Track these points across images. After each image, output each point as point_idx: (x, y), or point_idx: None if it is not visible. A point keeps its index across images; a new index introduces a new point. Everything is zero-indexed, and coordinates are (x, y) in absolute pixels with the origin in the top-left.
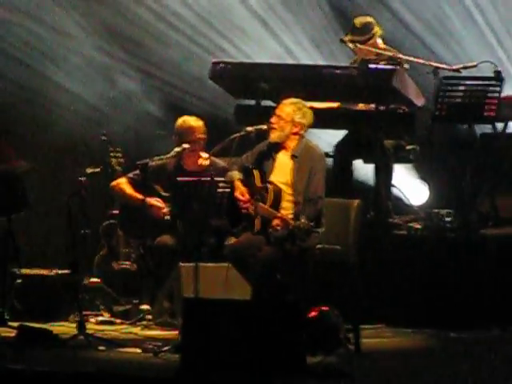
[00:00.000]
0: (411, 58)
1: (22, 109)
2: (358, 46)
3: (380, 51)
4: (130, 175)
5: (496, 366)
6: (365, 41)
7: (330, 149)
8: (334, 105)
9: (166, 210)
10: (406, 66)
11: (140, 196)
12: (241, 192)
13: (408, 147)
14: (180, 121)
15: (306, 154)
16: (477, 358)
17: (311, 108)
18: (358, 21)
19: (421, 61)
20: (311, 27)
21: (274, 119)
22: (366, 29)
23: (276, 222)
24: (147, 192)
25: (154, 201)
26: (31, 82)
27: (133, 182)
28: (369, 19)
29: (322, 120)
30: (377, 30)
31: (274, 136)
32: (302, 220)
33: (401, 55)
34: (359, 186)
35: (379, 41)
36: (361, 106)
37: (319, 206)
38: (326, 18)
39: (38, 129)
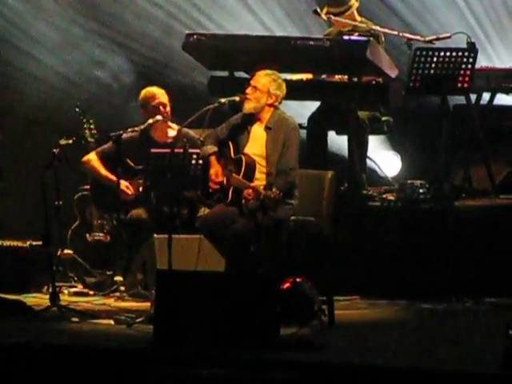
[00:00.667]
0: (386, 30)
1: None
2: (334, 17)
3: (357, 23)
4: (101, 149)
5: (468, 337)
6: (341, 12)
7: (304, 120)
8: (308, 76)
9: (131, 193)
10: (382, 39)
11: (112, 176)
12: (215, 172)
13: (383, 118)
14: (142, 91)
15: (279, 125)
16: (450, 329)
17: (285, 80)
18: None
19: (395, 32)
20: None
21: (249, 90)
22: (343, 1)
23: (247, 191)
24: (119, 164)
25: (123, 183)
26: (3, 53)
27: (104, 156)
28: None
29: (296, 91)
30: (353, 2)
31: (249, 107)
32: (273, 190)
33: (378, 27)
34: (334, 158)
35: (356, 13)
36: (336, 78)
37: (291, 178)
38: None
39: (11, 101)
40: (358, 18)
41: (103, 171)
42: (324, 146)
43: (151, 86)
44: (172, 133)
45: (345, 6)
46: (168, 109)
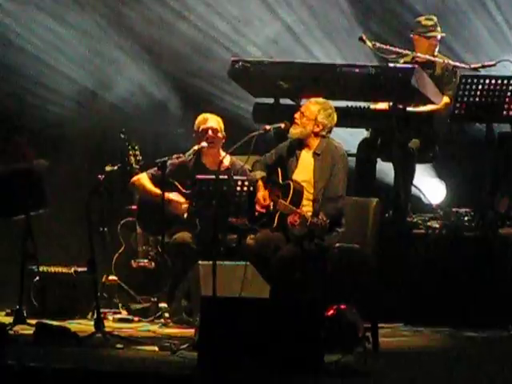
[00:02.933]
0: (433, 58)
1: (40, 107)
2: (405, 51)
3: (430, 58)
4: (151, 171)
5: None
6: (427, 37)
7: (351, 148)
8: (384, 105)
9: (185, 205)
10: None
11: (159, 191)
12: (263, 196)
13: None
14: (199, 117)
15: (328, 152)
16: (493, 358)
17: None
18: (424, 19)
19: (440, 60)
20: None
21: (297, 115)
22: (432, 27)
23: (294, 217)
24: (167, 189)
25: (174, 195)
26: (51, 81)
27: (153, 179)
28: (435, 19)
29: (345, 119)
30: (438, 30)
31: (295, 132)
32: (320, 217)
33: (455, 63)
34: (381, 185)
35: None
36: (380, 106)
37: (339, 205)
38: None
39: (58, 128)
40: (436, 53)
41: (152, 187)
42: (372, 173)
43: (200, 114)
44: (227, 162)
45: (432, 33)
46: (220, 135)
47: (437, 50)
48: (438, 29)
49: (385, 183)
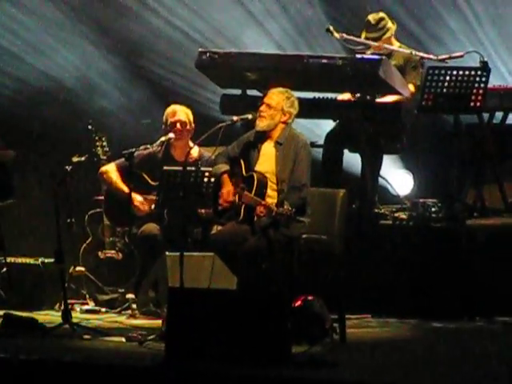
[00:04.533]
0: (401, 49)
1: (7, 97)
2: (372, 43)
3: (395, 48)
4: (118, 162)
5: (479, 357)
6: (379, 37)
7: (316, 139)
8: (348, 96)
9: (144, 210)
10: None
11: (126, 189)
12: (227, 191)
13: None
14: (168, 109)
15: (290, 141)
16: (461, 348)
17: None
18: (372, 17)
19: (407, 51)
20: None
21: (262, 108)
22: (380, 25)
23: (259, 208)
24: (135, 180)
25: (138, 198)
26: (18, 71)
27: (121, 170)
28: (382, 15)
29: (309, 109)
30: (390, 26)
31: (262, 124)
32: (285, 206)
33: (417, 52)
34: (349, 176)
35: (393, 38)
36: (343, 96)
37: (303, 194)
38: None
39: (23, 116)
40: (397, 43)
41: (120, 182)
42: (339, 165)
43: (168, 104)
44: (195, 153)
45: (383, 31)
46: (188, 127)
47: (393, 39)
48: (389, 25)
49: (352, 174)
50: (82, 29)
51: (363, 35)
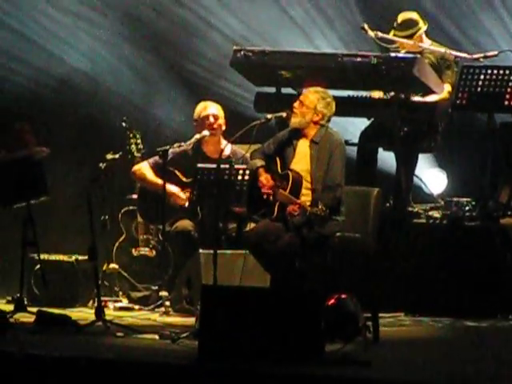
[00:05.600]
0: (432, 48)
1: (45, 96)
2: (401, 40)
3: (429, 47)
4: (152, 160)
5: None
6: (409, 36)
7: (350, 137)
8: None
9: (184, 198)
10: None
11: (160, 182)
12: (266, 178)
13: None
14: (199, 105)
15: (325, 140)
16: (494, 347)
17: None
18: (402, 16)
19: (442, 50)
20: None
21: (296, 105)
22: (410, 24)
23: (292, 207)
24: (168, 178)
25: (174, 188)
26: (55, 69)
27: (154, 167)
28: (411, 14)
29: (344, 108)
30: (421, 25)
31: (294, 121)
32: (320, 206)
33: (450, 51)
34: (383, 175)
35: (424, 36)
36: (378, 94)
37: (338, 194)
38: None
39: (60, 115)
40: (428, 41)
41: (154, 178)
42: (373, 163)
43: (200, 101)
44: (228, 150)
45: (412, 30)
46: (220, 122)
47: (424, 37)
48: (420, 24)
49: (386, 173)
50: (118, 27)
51: (391, 34)
